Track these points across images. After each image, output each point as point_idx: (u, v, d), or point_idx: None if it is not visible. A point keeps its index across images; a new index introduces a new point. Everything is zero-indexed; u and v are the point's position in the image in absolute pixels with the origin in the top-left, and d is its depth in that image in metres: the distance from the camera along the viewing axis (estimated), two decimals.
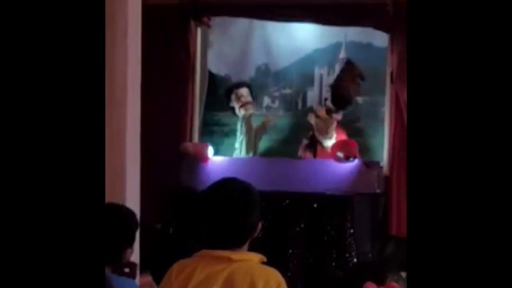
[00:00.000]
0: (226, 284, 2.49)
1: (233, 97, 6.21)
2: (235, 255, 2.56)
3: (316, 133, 6.02)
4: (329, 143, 5.96)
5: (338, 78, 6.10)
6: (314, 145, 6.06)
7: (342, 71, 6.11)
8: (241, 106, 6.19)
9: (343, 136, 6.03)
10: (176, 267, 2.63)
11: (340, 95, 6.00)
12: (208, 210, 2.64)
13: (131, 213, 3.12)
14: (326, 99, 6.15)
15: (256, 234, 2.65)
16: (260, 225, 2.65)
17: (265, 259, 2.62)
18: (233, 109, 6.31)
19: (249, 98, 6.21)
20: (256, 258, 2.61)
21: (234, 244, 2.59)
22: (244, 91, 6.21)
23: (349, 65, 6.07)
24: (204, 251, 2.62)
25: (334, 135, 5.98)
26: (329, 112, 6.01)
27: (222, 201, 2.60)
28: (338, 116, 6.05)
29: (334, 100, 6.04)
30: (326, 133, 5.96)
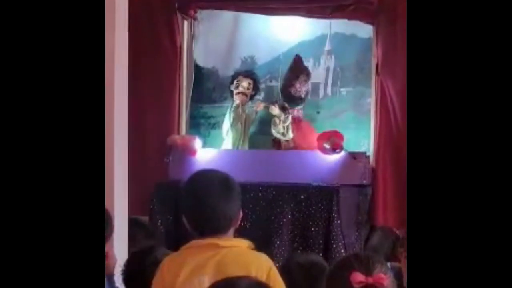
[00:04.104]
0: (217, 271, 2.51)
1: (235, 82, 6.25)
2: (222, 241, 2.59)
3: (273, 131, 6.08)
4: (287, 138, 6.03)
5: (286, 77, 6.21)
6: (279, 143, 6.13)
7: (289, 69, 6.21)
8: (237, 94, 6.22)
9: (307, 127, 6.09)
10: (166, 262, 2.65)
11: (288, 93, 6.10)
12: (188, 201, 2.67)
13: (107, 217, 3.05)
14: (280, 99, 6.23)
15: (238, 222, 2.68)
16: (241, 213, 2.68)
17: (253, 246, 2.65)
18: (219, 100, 6.36)
19: (247, 91, 6.24)
20: (244, 244, 2.64)
21: (217, 232, 2.62)
22: (245, 82, 6.23)
23: (294, 63, 6.19)
24: (192, 242, 2.64)
25: (291, 130, 6.03)
26: (284, 109, 6.08)
27: (201, 190, 2.63)
28: (295, 111, 6.12)
29: (285, 99, 6.14)
30: (282, 129, 6.03)
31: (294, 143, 6.07)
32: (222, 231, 2.63)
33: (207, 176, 2.73)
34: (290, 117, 6.06)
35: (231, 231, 2.67)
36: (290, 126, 6.05)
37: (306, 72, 6.17)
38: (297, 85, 6.09)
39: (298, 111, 6.19)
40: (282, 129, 6.06)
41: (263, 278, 2.49)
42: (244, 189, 5.35)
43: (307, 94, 6.19)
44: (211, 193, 2.62)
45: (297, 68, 6.17)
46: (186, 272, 2.55)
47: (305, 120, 6.21)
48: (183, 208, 2.70)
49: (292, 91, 6.11)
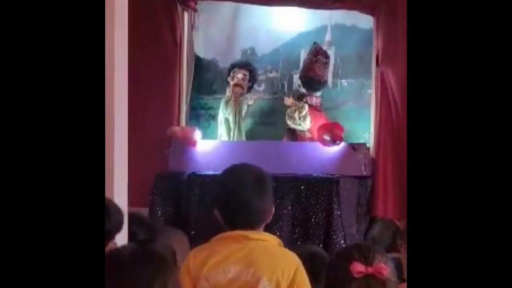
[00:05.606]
0: (245, 262, 2.52)
1: (231, 74, 6.24)
2: (252, 234, 2.60)
3: (288, 122, 6.07)
4: (304, 128, 6.01)
5: (304, 63, 6.18)
6: (295, 134, 6.11)
7: (307, 54, 6.18)
8: (233, 86, 6.22)
9: (323, 119, 6.07)
10: (192, 253, 2.67)
11: (308, 78, 6.07)
12: (222, 194, 2.68)
13: (115, 210, 3.01)
14: (299, 85, 6.22)
15: (270, 217, 2.69)
16: (273, 208, 2.70)
17: (282, 243, 2.67)
18: (219, 91, 6.37)
19: (243, 82, 6.23)
20: (274, 240, 2.65)
21: (250, 227, 2.63)
22: (240, 74, 6.22)
23: (312, 47, 6.15)
24: (222, 234, 2.66)
25: (308, 120, 6.00)
26: (301, 98, 6.06)
27: (236, 185, 2.65)
28: (313, 98, 6.10)
29: (304, 84, 6.11)
30: (298, 119, 6.00)
31: (311, 134, 6.03)
32: (255, 225, 2.65)
33: (242, 171, 2.75)
34: (306, 106, 6.03)
35: (262, 226, 2.69)
36: (307, 116, 6.02)
37: (324, 55, 6.13)
38: (317, 68, 6.06)
39: (316, 99, 6.16)
40: (298, 119, 6.02)
41: (290, 274, 2.51)
42: None
43: (327, 78, 6.15)
44: (246, 188, 2.64)
45: (316, 52, 6.13)
46: (213, 261, 2.58)
47: (322, 111, 6.17)
48: (217, 202, 2.72)
49: (311, 75, 6.07)
